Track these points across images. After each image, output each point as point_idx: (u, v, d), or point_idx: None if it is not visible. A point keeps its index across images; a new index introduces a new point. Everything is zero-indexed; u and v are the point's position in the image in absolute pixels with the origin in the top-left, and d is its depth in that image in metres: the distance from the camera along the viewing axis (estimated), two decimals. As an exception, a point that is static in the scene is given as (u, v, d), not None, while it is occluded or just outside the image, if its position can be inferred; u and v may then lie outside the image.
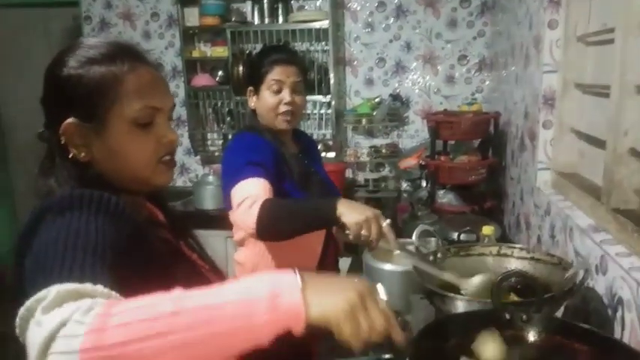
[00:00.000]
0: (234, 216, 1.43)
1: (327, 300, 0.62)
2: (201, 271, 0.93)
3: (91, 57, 0.80)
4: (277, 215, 1.31)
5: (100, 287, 0.60)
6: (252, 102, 1.63)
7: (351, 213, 1.23)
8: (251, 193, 1.34)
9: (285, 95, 1.56)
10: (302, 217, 1.33)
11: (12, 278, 0.71)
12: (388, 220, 1.27)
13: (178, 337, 0.55)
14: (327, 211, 1.27)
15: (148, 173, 0.84)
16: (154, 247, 0.80)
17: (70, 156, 0.81)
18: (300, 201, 1.47)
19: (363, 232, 1.22)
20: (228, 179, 1.46)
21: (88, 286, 0.59)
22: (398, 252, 1.27)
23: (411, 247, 1.43)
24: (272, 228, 1.30)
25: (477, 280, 1.18)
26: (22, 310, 0.58)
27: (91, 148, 0.81)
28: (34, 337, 0.55)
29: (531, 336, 0.94)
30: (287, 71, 1.57)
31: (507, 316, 0.95)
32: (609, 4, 1.42)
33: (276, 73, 1.56)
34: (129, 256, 0.71)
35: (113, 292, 0.61)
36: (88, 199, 0.72)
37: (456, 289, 1.17)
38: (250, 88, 1.63)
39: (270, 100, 1.56)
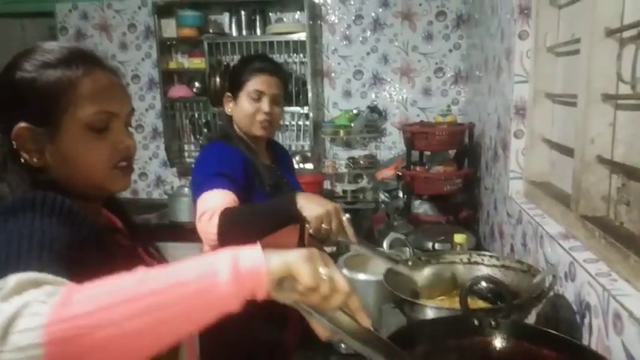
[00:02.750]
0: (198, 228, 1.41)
1: (286, 254, 0.62)
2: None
3: (46, 61, 0.78)
4: (237, 221, 1.29)
5: (59, 278, 0.58)
6: (229, 108, 1.61)
7: (311, 206, 1.24)
8: (212, 206, 1.31)
9: (264, 105, 1.54)
10: (262, 217, 1.31)
11: None
12: (348, 215, 1.29)
13: (143, 302, 0.54)
14: (287, 206, 1.26)
15: (102, 179, 0.81)
16: (111, 252, 0.78)
17: (23, 161, 0.78)
18: (258, 203, 1.44)
19: (324, 225, 1.22)
20: (195, 190, 1.43)
21: (48, 276, 0.58)
22: (356, 245, 1.29)
23: (384, 260, 1.42)
24: (234, 235, 1.27)
25: (427, 272, 1.21)
26: None
27: (44, 153, 0.79)
28: None
29: (499, 342, 0.93)
30: (269, 82, 1.56)
31: (476, 322, 0.94)
32: (576, 15, 1.45)
33: (257, 83, 1.54)
34: (84, 259, 0.68)
35: (72, 283, 0.59)
36: (41, 201, 0.70)
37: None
38: (228, 94, 1.60)
39: (248, 107, 1.55)
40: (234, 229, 1.27)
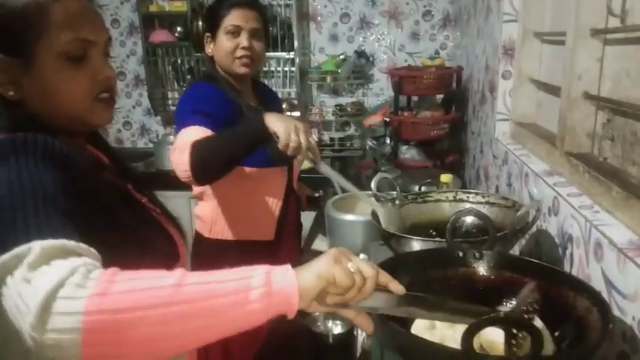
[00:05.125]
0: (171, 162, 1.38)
1: (312, 265, 0.65)
2: (151, 214, 0.90)
3: None
4: (207, 147, 1.27)
5: (82, 246, 0.59)
6: (210, 49, 1.58)
7: (279, 121, 1.25)
8: (185, 140, 1.29)
9: (243, 40, 1.51)
10: (232, 141, 1.30)
11: None
12: (314, 135, 1.30)
13: (177, 309, 0.56)
14: (256, 125, 1.26)
15: (83, 112, 0.79)
16: (100, 190, 0.77)
17: None
18: (226, 130, 1.38)
19: (292, 136, 1.22)
20: (177, 128, 1.42)
21: (70, 243, 0.58)
22: (321, 165, 1.31)
23: (371, 199, 1.43)
24: (206, 163, 1.26)
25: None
26: None
27: (21, 85, 0.76)
28: (22, 293, 0.53)
29: (483, 272, 0.95)
30: (246, 16, 1.52)
31: (460, 254, 0.96)
32: (568, -51, 1.41)
33: (234, 18, 1.51)
34: (76, 200, 0.67)
35: (92, 249, 0.60)
36: (32, 143, 0.68)
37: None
38: (208, 34, 1.57)
39: (226, 43, 1.51)
40: (207, 157, 1.26)
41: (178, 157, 1.28)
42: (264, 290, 0.59)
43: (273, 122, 1.24)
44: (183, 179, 1.31)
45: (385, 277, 0.69)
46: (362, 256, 1.36)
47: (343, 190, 1.63)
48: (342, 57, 3.12)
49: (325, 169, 1.33)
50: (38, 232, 0.57)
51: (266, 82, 3.13)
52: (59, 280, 0.53)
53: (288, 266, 0.64)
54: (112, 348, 0.54)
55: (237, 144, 1.28)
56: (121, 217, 0.79)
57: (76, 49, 0.76)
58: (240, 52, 1.51)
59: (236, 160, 1.32)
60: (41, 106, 0.77)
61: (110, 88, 0.82)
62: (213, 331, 0.59)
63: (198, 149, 1.25)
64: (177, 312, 0.56)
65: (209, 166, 1.28)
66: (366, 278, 0.66)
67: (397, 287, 0.69)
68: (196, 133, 1.32)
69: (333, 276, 0.63)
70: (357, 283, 0.65)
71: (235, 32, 1.51)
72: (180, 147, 1.29)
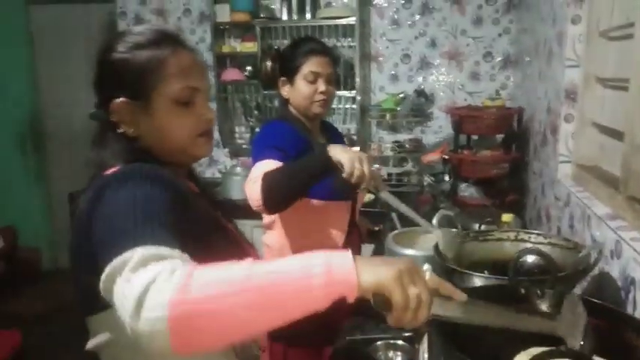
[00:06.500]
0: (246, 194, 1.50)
1: (377, 269, 0.68)
2: (237, 239, 1.01)
3: (137, 42, 0.89)
4: (277, 178, 1.38)
5: (176, 251, 0.69)
6: (285, 91, 1.69)
7: (342, 152, 1.34)
8: (258, 173, 1.41)
9: (321, 85, 1.63)
10: (299, 172, 1.39)
11: (82, 236, 0.79)
12: (377, 165, 1.38)
13: (249, 296, 0.63)
14: (321, 157, 1.36)
15: (188, 146, 0.92)
16: (198, 215, 0.89)
17: (120, 131, 0.90)
18: (292, 162, 1.49)
19: (356, 166, 1.31)
20: (253, 162, 1.54)
21: (166, 250, 0.68)
22: (384, 191, 1.40)
23: (433, 236, 1.49)
24: (275, 192, 1.37)
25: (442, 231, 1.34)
26: (107, 269, 0.67)
27: (138, 124, 0.90)
28: (124, 292, 0.63)
29: (544, 310, 0.99)
30: (322, 63, 1.64)
31: (523, 291, 1.01)
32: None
33: (312, 65, 1.63)
34: (179, 221, 0.79)
35: (185, 254, 0.69)
36: (146, 171, 0.81)
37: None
38: (283, 78, 1.69)
39: (306, 89, 1.63)
40: (275, 187, 1.37)
41: (252, 188, 1.41)
42: (325, 277, 0.64)
43: (338, 153, 1.34)
44: (255, 208, 1.43)
45: (447, 289, 0.75)
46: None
47: (402, 221, 1.69)
48: (401, 95, 3.22)
49: (388, 197, 1.41)
50: (142, 240, 0.68)
51: (328, 118, 3.27)
52: (151, 278, 0.62)
53: (349, 253, 0.67)
54: (196, 335, 0.61)
55: (303, 174, 1.39)
56: (213, 239, 0.91)
57: (185, 96, 0.90)
58: (319, 97, 1.64)
59: (302, 190, 1.43)
60: (153, 141, 0.92)
61: (210, 128, 0.95)
62: (280, 314, 0.65)
63: (268, 180, 1.37)
64: (249, 299, 0.62)
65: (277, 195, 1.39)
66: (422, 302, 0.68)
67: (460, 296, 0.75)
68: (269, 165, 1.45)
69: (390, 291, 0.67)
70: (411, 308, 0.67)
71: (313, 78, 1.63)
72: (254, 179, 1.42)
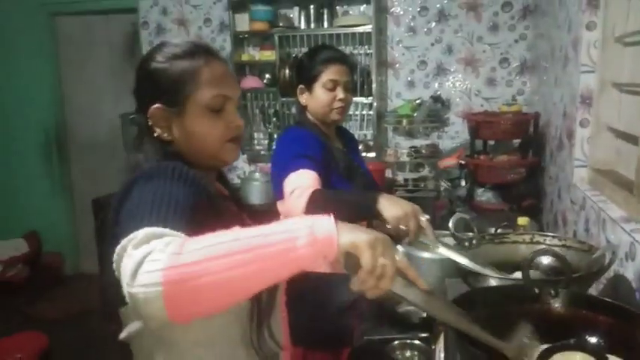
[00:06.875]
0: (283, 206, 1.55)
1: (356, 232, 0.74)
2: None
3: (174, 53, 0.96)
4: (323, 205, 1.40)
5: (179, 233, 0.73)
6: (303, 99, 1.73)
7: (391, 208, 1.33)
8: (300, 184, 1.45)
9: (339, 93, 1.68)
10: (346, 207, 1.42)
11: (110, 230, 0.85)
12: (427, 216, 1.36)
13: (237, 257, 0.67)
14: (370, 204, 1.36)
15: (218, 151, 0.98)
16: (223, 215, 0.94)
17: (156, 135, 0.96)
18: (345, 193, 1.56)
19: (402, 226, 1.31)
20: (279, 171, 1.57)
21: (168, 231, 0.73)
22: (437, 246, 1.35)
23: (448, 239, 1.52)
24: (318, 213, 1.39)
25: (515, 275, 1.25)
26: (117, 248, 0.72)
27: (172, 129, 0.96)
28: (126, 266, 0.68)
29: (558, 309, 1.01)
30: (341, 70, 1.68)
31: (536, 291, 1.03)
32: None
33: (331, 73, 1.67)
34: (202, 218, 0.83)
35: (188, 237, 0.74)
36: (172, 169, 0.86)
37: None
38: (301, 86, 1.73)
39: (324, 97, 1.67)
40: (320, 212, 1.39)
41: (296, 201, 1.41)
42: (309, 237, 0.69)
43: (386, 208, 1.32)
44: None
45: (412, 274, 0.79)
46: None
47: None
48: (418, 101, 3.25)
49: (443, 251, 1.34)
50: (150, 223, 0.73)
51: (345, 124, 3.31)
52: (148, 250, 0.67)
53: (331, 217, 0.73)
54: (189, 297, 0.65)
55: (348, 212, 1.36)
56: None
57: (217, 103, 0.96)
58: (337, 104, 1.68)
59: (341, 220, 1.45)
60: (185, 145, 0.97)
61: (239, 134, 1.00)
62: (268, 274, 0.70)
63: (315, 202, 1.39)
64: (238, 260, 0.66)
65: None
66: (384, 275, 0.73)
67: (423, 285, 0.80)
68: (307, 176, 1.47)
69: (361, 254, 0.72)
70: (376, 274, 0.72)
71: (332, 86, 1.67)
72: (297, 192, 1.42)
